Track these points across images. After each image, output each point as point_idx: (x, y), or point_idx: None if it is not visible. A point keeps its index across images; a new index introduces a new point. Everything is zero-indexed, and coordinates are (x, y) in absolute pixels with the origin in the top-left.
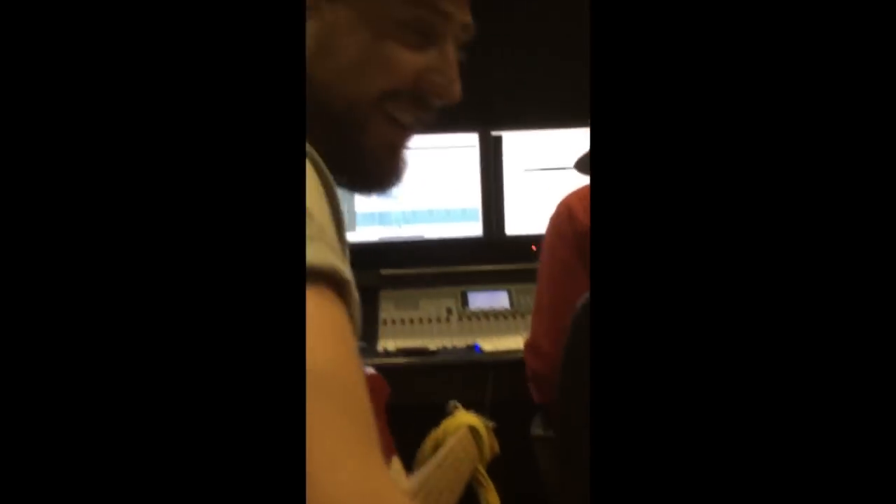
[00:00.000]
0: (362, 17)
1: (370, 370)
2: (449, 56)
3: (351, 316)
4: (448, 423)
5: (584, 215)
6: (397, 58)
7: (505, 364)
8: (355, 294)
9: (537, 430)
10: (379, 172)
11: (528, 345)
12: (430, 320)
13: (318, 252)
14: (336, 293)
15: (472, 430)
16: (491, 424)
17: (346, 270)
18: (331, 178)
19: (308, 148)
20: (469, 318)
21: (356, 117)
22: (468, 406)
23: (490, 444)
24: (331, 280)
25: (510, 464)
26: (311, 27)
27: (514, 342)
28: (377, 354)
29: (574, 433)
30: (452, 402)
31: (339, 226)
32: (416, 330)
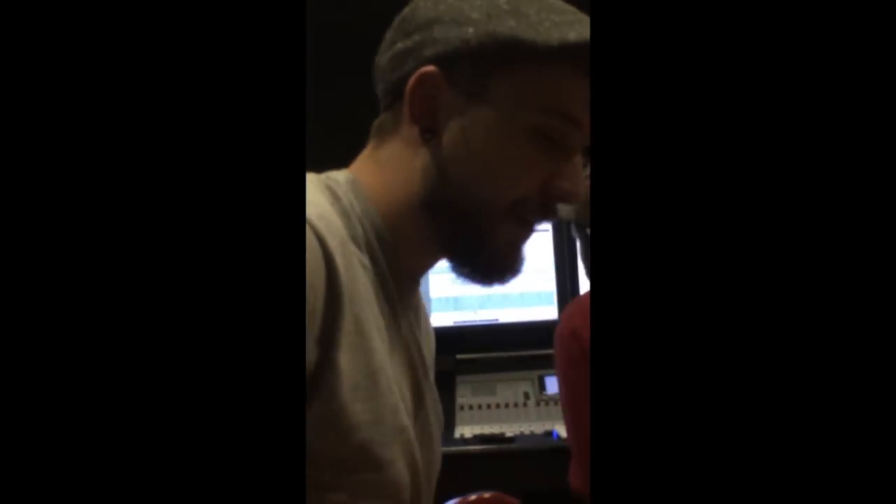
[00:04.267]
0: (502, 120)
1: (508, 497)
2: (575, 161)
3: None
4: None
5: (589, 332)
6: (530, 165)
7: None
8: None
9: None
10: (501, 267)
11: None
12: (507, 405)
13: None
14: None
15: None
16: None
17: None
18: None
19: (311, 220)
20: (546, 403)
21: (487, 219)
22: (541, 495)
23: None
24: None
25: None
26: (453, 126)
27: None
28: (454, 442)
29: None
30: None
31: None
32: (493, 415)
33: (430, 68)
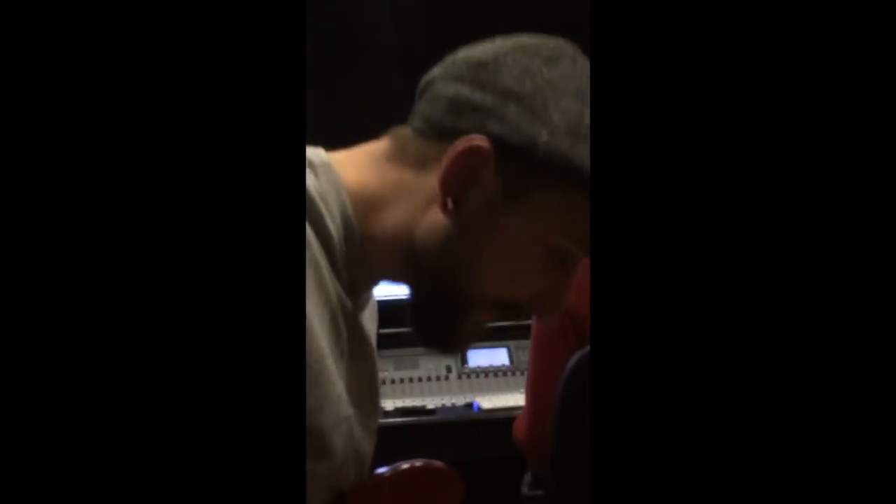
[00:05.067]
0: (528, 232)
1: (437, 464)
2: (566, 282)
3: None
4: None
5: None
6: (534, 279)
7: (503, 421)
8: None
9: (526, 488)
10: (456, 346)
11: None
12: (429, 378)
13: None
14: None
15: None
16: None
17: None
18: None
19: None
20: (468, 376)
21: (465, 308)
22: (464, 464)
23: None
24: None
25: None
26: (478, 214)
27: (513, 399)
28: None
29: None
30: None
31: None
32: (416, 388)
33: (486, 147)
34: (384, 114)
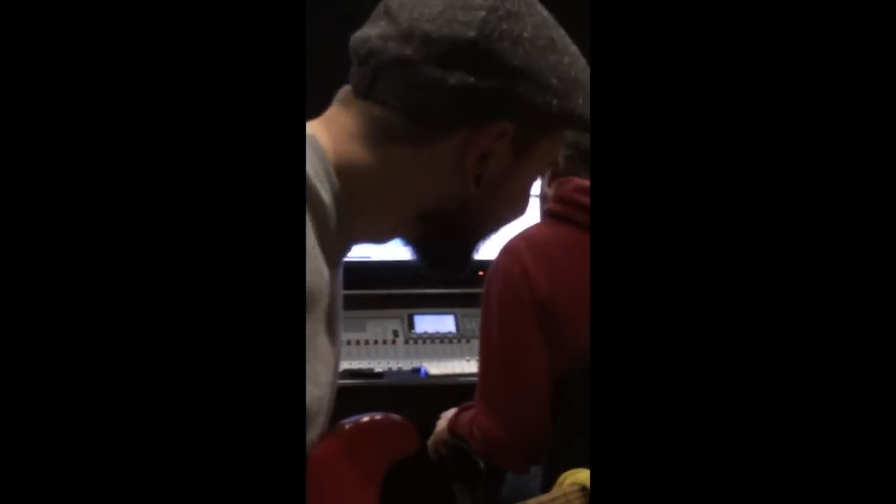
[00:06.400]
0: (531, 171)
1: (396, 417)
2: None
3: None
4: (564, 477)
5: (543, 280)
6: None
7: (450, 388)
8: None
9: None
10: (467, 271)
11: (480, 438)
12: (376, 342)
13: None
14: None
15: (586, 491)
16: None
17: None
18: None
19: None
20: (415, 341)
21: (479, 241)
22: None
23: None
24: None
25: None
26: (495, 173)
27: (458, 366)
28: None
29: None
30: None
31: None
32: (363, 351)
33: (510, 128)
34: None
